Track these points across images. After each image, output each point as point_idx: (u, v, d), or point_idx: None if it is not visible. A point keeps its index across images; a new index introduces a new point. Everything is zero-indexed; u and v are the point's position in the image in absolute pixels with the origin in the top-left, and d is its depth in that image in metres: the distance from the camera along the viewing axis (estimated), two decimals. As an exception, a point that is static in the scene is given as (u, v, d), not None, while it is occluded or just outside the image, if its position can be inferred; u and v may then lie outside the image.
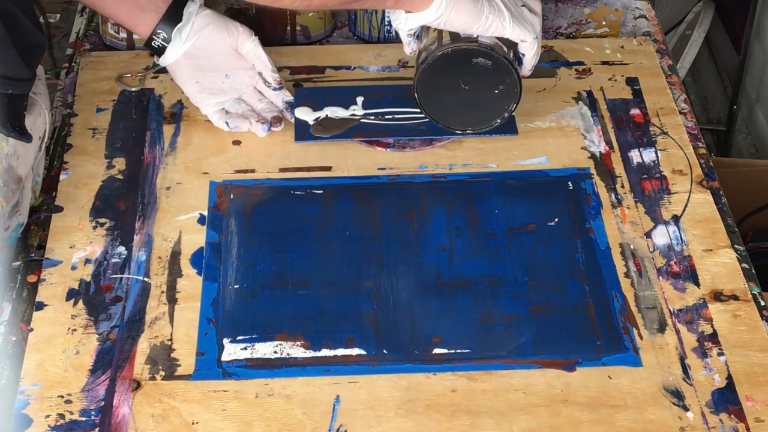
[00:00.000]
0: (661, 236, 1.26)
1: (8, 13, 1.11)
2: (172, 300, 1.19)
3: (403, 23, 1.29)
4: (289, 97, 1.40)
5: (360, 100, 1.41)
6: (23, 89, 1.17)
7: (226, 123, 1.37)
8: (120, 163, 1.35)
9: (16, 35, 1.12)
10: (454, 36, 1.29)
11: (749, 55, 2.41)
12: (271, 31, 1.55)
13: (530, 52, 1.30)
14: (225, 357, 1.14)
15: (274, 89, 1.39)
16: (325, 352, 1.14)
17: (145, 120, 1.40)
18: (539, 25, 1.31)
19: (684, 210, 1.29)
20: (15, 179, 1.19)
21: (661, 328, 1.17)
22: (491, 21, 1.26)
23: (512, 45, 1.31)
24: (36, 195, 1.28)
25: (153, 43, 1.34)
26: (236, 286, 1.21)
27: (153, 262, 1.23)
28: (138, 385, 1.11)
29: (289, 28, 1.55)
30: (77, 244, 1.25)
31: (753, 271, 1.23)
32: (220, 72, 1.37)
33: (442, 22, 1.26)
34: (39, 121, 1.24)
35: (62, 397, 1.10)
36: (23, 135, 1.18)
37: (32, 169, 1.25)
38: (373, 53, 1.52)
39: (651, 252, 1.25)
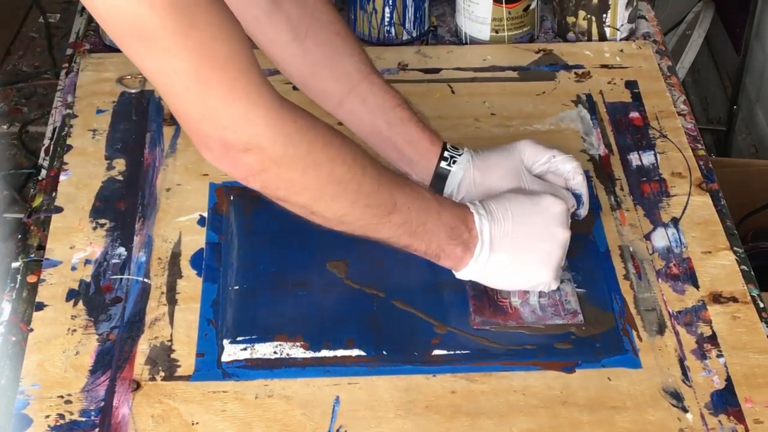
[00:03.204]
0: (661, 238, 1.26)
1: None
2: (172, 301, 1.19)
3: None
4: None
5: None
6: None
7: None
8: (120, 164, 1.35)
9: None
10: None
11: (749, 55, 2.40)
12: (272, 31, 1.55)
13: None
14: (225, 358, 1.14)
15: None
16: (324, 353, 1.14)
17: (145, 121, 1.41)
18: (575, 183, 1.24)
19: (683, 212, 1.30)
20: None
21: (661, 329, 1.17)
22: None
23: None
24: None
25: None
26: (236, 287, 1.21)
27: (153, 263, 1.23)
28: (138, 386, 1.11)
29: (289, 29, 1.55)
30: (77, 244, 1.25)
31: (752, 272, 1.23)
32: None
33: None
34: None
35: (62, 397, 1.10)
36: None
37: None
38: (372, 56, 1.49)
39: (650, 254, 1.25)
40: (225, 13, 0.96)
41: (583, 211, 1.25)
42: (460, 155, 1.23)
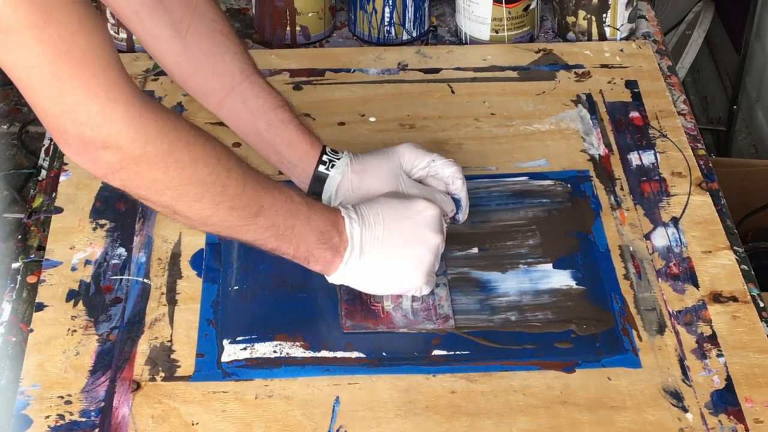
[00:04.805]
0: (661, 238, 1.26)
1: None
2: (171, 301, 1.19)
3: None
4: None
5: None
6: None
7: None
8: (120, 164, 1.35)
9: None
10: None
11: (749, 55, 2.41)
12: (271, 31, 1.56)
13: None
14: (225, 358, 1.14)
15: None
16: (324, 353, 1.14)
17: (146, 121, 1.40)
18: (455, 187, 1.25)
19: (683, 212, 1.30)
20: None
21: (661, 329, 1.17)
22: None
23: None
24: None
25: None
26: (236, 288, 1.21)
27: (153, 264, 1.23)
28: (138, 386, 1.11)
29: (288, 28, 1.55)
30: (77, 245, 1.25)
31: (752, 272, 1.23)
32: None
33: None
34: None
35: (62, 397, 1.10)
36: None
37: None
38: (372, 56, 1.52)
39: (650, 254, 1.25)
40: (86, 8, 0.94)
41: (462, 216, 1.25)
42: (339, 159, 1.22)
